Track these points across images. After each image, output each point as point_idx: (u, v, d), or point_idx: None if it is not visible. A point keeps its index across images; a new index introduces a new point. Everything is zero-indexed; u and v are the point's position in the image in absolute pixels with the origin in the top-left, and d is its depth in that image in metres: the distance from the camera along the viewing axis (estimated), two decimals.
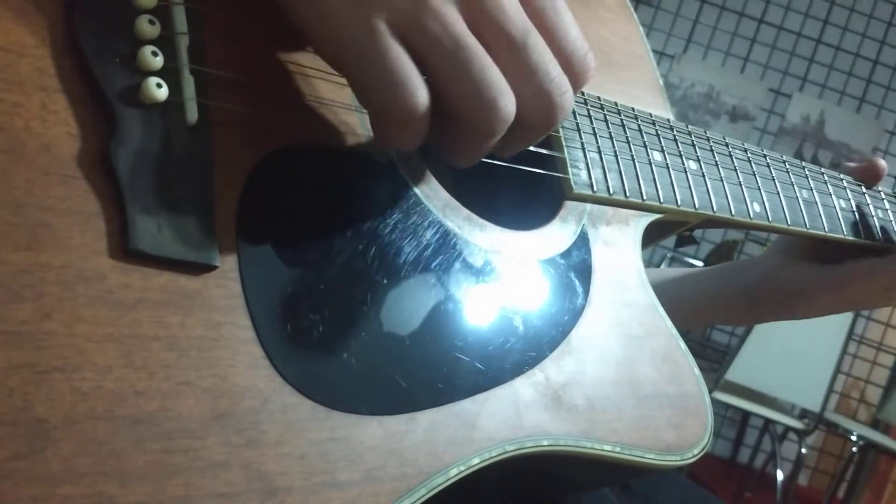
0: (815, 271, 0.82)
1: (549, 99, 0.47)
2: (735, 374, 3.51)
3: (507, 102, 0.45)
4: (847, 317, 3.65)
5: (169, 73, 0.43)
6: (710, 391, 3.45)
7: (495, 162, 0.55)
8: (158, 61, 0.43)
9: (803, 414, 3.99)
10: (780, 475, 3.78)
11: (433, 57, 0.43)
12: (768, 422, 3.99)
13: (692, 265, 4.41)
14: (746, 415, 4.44)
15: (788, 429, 3.95)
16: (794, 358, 3.53)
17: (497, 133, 0.46)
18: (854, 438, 3.78)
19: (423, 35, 0.43)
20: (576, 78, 0.49)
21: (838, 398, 4.70)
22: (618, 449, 0.51)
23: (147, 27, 0.43)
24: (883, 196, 0.85)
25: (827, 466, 4.75)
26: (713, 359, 4.23)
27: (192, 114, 0.43)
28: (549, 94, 0.47)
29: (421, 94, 0.43)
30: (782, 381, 3.60)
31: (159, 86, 0.42)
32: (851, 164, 0.85)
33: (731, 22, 4.84)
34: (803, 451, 3.86)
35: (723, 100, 4.87)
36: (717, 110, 4.85)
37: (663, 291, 0.62)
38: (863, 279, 0.79)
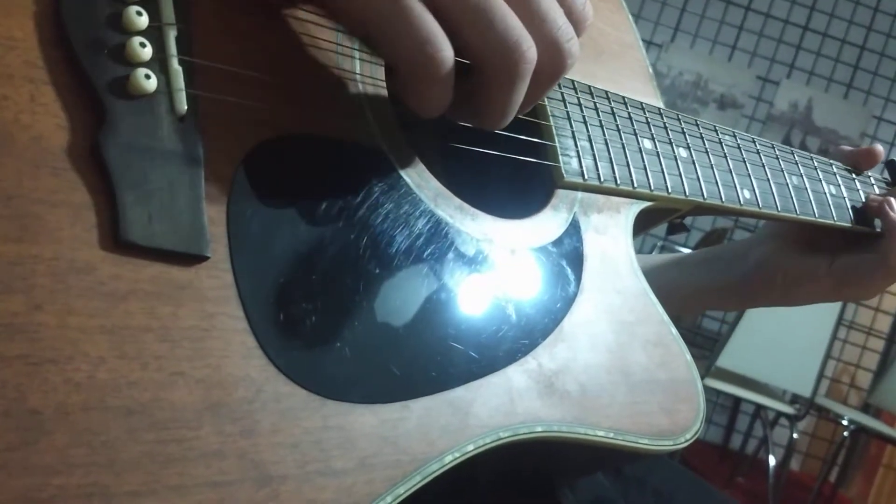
0: (811, 262, 0.82)
1: (558, 46, 0.48)
2: (726, 360, 3.53)
3: (530, 45, 0.46)
4: (836, 303, 3.66)
5: (157, 64, 0.43)
6: (702, 378, 3.46)
7: (486, 151, 0.55)
8: (147, 52, 0.42)
9: (794, 399, 4.02)
10: (771, 460, 3.81)
11: (455, 11, 0.45)
12: (759, 407, 4.01)
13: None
14: (738, 401, 4.46)
15: (780, 414, 3.97)
16: (784, 344, 3.55)
17: (523, 77, 0.47)
18: (845, 423, 3.80)
19: None
20: (577, 26, 0.50)
21: (829, 383, 4.73)
22: (611, 434, 0.52)
23: (135, 18, 0.43)
24: (873, 181, 0.85)
25: (818, 451, 4.78)
26: (704, 346, 4.24)
27: (182, 104, 0.43)
28: (558, 40, 0.48)
29: (448, 47, 0.45)
30: (773, 367, 3.62)
31: (148, 77, 0.42)
32: (846, 149, 0.85)
33: (719, 10, 4.84)
34: (795, 436, 3.88)
35: (711, 88, 4.87)
36: (705, 98, 4.85)
37: (653, 279, 0.62)
38: (861, 281, 0.80)
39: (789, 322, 3.50)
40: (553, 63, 0.49)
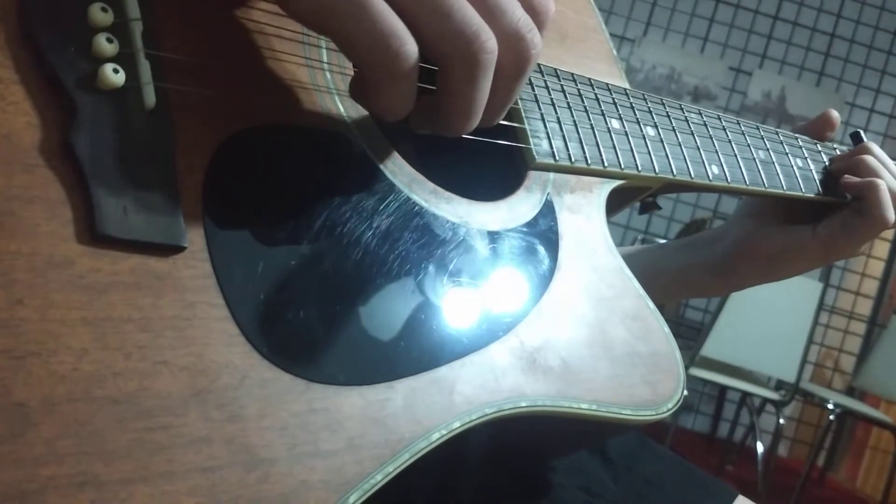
0: (793, 231, 0.83)
1: (520, 37, 0.47)
2: (710, 349, 3.55)
3: (489, 36, 0.45)
4: (817, 288, 3.71)
5: (125, 59, 0.43)
6: (686, 368, 3.48)
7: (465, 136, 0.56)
8: (113, 48, 0.43)
9: (779, 385, 4.05)
10: (759, 447, 3.83)
11: (412, 5, 0.44)
12: (745, 395, 4.04)
13: None
14: (723, 389, 4.48)
15: (766, 401, 4.00)
16: (767, 331, 3.58)
17: (484, 69, 0.46)
18: (831, 407, 3.83)
19: None
20: (538, 17, 0.49)
21: (813, 368, 4.77)
22: (594, 407, 0.52)
23: (100, 15, 0.43)
24: (838, 151, 0.87)
25: (805, 436, 4.82)
26: (688, 336, 4.27)
27: (150, 98, 0.43)
28: (519, 31, 0.47)
29: (411, 41, 0.43)
30: (757, 354, 3.64)
31: (116, 71, 0.42)
32: (804, 123, 0.87)
33: (689, 3, 4.89)
34: (781, 421, 3.91)
35: (684, 81, 4.91)
36: (679, 91, 4.89)
37: (634, 265, 0.63)
38: (849, 237, 0.80)
39: (771, 309, 3.53)
40: (516, 55, 0.47)
